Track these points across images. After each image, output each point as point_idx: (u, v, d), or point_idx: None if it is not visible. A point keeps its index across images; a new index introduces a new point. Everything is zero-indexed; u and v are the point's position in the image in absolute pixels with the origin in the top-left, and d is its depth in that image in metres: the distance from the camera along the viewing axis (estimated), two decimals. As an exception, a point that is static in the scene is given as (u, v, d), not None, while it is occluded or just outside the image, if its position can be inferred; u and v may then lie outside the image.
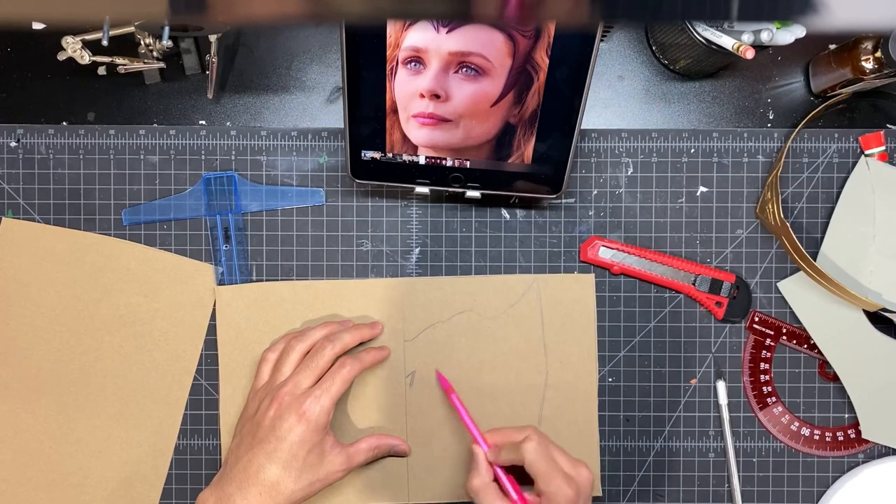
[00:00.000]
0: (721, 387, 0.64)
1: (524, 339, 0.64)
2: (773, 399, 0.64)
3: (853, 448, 0.64)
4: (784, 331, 0.64)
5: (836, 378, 0.64)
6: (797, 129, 0.64)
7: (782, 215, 0.61)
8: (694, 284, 0.64)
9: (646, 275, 0.64)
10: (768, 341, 0.64)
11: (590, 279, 0.64)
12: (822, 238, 0.64)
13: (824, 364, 0.64)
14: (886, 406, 0.63)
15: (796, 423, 0.64)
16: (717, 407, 0.65)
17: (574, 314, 0.64)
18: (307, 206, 0.64)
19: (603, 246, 0.64)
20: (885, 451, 0.65)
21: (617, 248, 0.64)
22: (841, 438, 0.64)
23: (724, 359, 0.65)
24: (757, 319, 0.64)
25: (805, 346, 0.64)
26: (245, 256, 0.64)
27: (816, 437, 0.64)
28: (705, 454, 0.65)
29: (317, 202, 0.65)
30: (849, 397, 0.63)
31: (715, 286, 0.64)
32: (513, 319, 0.64)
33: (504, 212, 0.65)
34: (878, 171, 0.63)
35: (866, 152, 0.64)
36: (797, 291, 0.64)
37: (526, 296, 0.64)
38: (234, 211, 0.64)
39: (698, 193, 0.65)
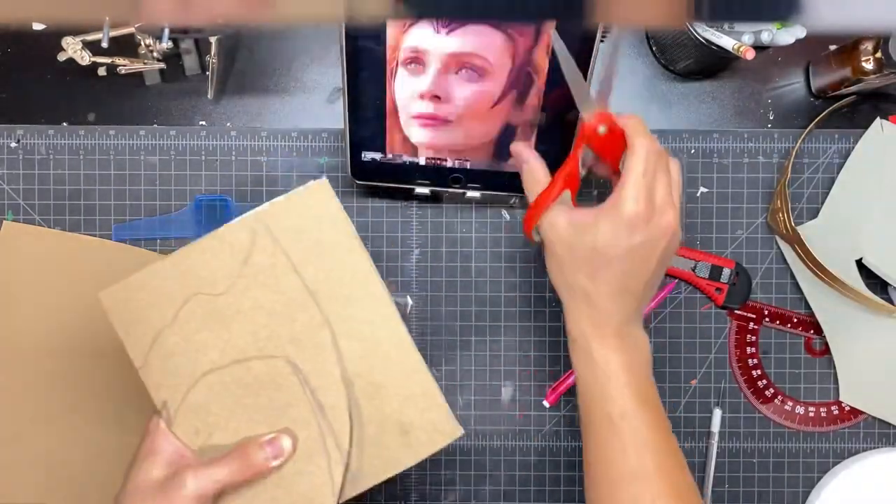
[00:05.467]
0: (716, 415, 0.64)
1: (282, 297, 0.51)
2: (764, 382, 0.64)
3: (848, 420, 0.64)
4: (766, 312, 0.64)
5: (822, 352, 0.64)
6: (804, 135, 0.63)
7: (793, 224, 0.61)
8: (693, 271, 0.64)
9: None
10: (752, 325, 0.64)
11: (323, 184, 0.52)
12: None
13: (810, 339, 0.65)
14: (867, 371, 0.63)
15: (790, 403, 0.65)
16: (709, 435, 0.64)
17: (326, 235, 0.52)
18: (307, 207, 0.64)
19: (603, 246, 0.64)
20: (882, 435, 0.65)
21: (617, 249, 0.64)
22: (836, 412, 0.65)
23: (724, 359, 0.65)
24: (736, 306, 0.65)
25: (788, 324, 0.64)
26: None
27: (811, 415, 0.65)
28: (705, 454, 0.65)
29: (317, 203, 0.64)
30: (835, 367, 0.64)
31: (715, 272, 0.64)
32: (255, 281, 0.51)
33: (504, 212, 0.65)
34: (891, 134, 0.63)
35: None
36: (787, 247, 0.64)
37: (258, 243, 0.52)
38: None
39: (698, 194, 0.65)
